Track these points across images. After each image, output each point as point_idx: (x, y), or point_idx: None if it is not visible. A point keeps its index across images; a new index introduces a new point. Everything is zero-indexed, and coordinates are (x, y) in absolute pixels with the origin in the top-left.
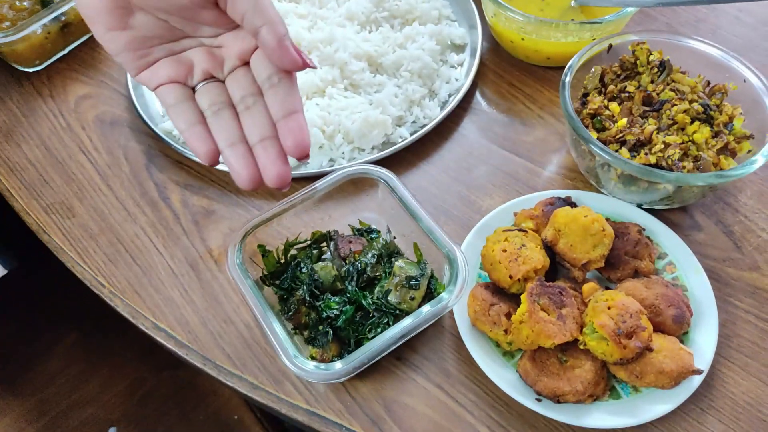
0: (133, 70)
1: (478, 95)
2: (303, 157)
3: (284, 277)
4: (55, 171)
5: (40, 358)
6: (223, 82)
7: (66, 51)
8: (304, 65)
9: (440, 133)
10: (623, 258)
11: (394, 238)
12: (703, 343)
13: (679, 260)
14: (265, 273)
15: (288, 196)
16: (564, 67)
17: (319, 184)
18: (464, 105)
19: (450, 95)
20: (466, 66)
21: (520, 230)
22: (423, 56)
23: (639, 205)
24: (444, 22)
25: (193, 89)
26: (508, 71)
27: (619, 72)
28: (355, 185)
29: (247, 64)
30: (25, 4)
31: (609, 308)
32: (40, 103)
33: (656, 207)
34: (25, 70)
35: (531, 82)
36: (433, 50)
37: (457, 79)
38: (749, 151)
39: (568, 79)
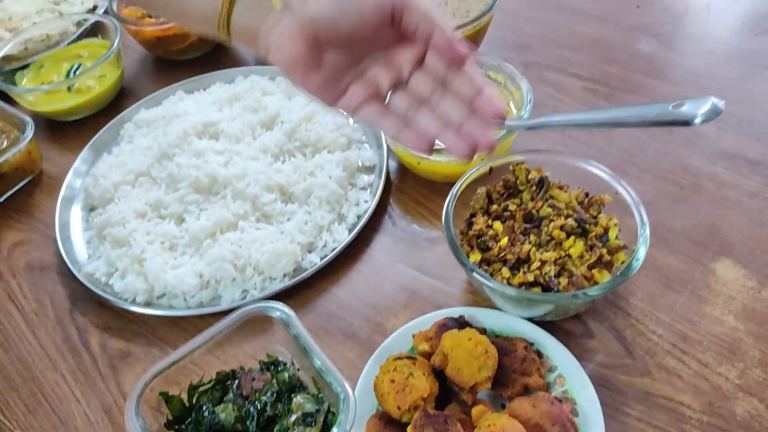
0: (330, 101)
1: (386, 215)
2: (503, 118)
3: (188, 421)
4: None
5: None
6: (405, 85)
7: (1, 199)
8: (470, 54)
9: (349, 256)
10: (512, 376)
11: (299, 370)
12: None
13: (568, 372)
14: (170, 418)
15: (193, 337)
16: None
17: (219, 325)
18: (373, 225)
19: (358, 217)
20: (374, 186)
21: (409, 357)
22: (330, 184)
23: (531, 319)
24: (354, 146)
25: (385, 99)
26: (414, 188)
27: (502, 191)
28: (255, 322)
29: (420, 65)
30: None
31: None
32: None
33: (547, 319)
34: None
35: (435, 198)
36: (339, 177)
37: (366, 201)
38: (623, 262)
39: (450, 209)
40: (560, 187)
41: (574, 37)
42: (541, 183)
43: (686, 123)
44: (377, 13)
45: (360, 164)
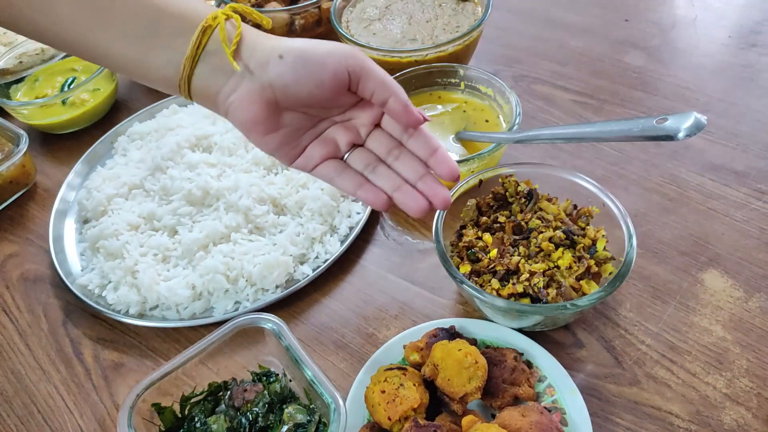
0: (287, 161)
1: (378, 226)
2: (456, 179)
3: None
4: None
5: None
6: (362, 146)
7: None
8: (424, 120)
9: (341, 267)
10: (501, 386)
11: (290, 380)
12: None
13: (557, 382)
14: (162, 429)
15: (186, 348)
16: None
17: (212, 336)
18: (365, 236)
19: (350, 228)
20: None
21: (399, 368)
22: (322, 196)
23: (521, 329)
24: None
25: (342, 158)
26: None
27: (492, 203)
28: (247, 333)
29: (376, 127)
30: None
31: None
32: None
33: (537, 330)
34: None
35: None
36: (331, 189)
37: (358, 213)
38: (611, 273)
39: (440, 222)
40: (549, 199)
41: (562, 50)
42: (530, 195)
43: (670, 138)
44: (335, 81)
45: None
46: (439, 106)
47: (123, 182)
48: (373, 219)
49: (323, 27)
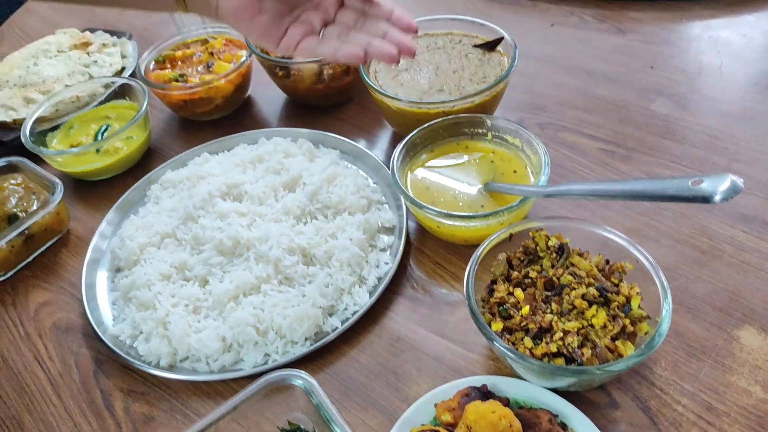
0: (274, 44)
1: (405, 277)
2: (414, 31)
3: None
4: (9, 383)
5: None
6: (333, 22)
7: (29, 259)
8: None
9: (370, 318)
10: None
11: None
12: None
13: None
14: None
15: (216, 402)
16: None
17: (242, 393)
18: (393, 288)
19: (379, 279)
20: (394, 247)
21: (432, 430)
22: (351, 246)
23: (555, 389)
24: (374, 207)
25: (319, 35)
26: (434, 250)
27: (522, 257)
28: (277, 390)
29: (341, 6)
30: None
31: None
32: (2, 313)
33: (571, 390)
34: None
35: (455, 260)
36: (360, 239)
37: (386, 263)
38: (646, 333)
39: (471, 277)
40: (580, 254)
41: (588, 98)
42: (561, 250)
43: (705, 200)
44: None
45: (380, 225)
46: (467, 156)
47: (155, 231)
48: (401, 269)
49: (351, 76)
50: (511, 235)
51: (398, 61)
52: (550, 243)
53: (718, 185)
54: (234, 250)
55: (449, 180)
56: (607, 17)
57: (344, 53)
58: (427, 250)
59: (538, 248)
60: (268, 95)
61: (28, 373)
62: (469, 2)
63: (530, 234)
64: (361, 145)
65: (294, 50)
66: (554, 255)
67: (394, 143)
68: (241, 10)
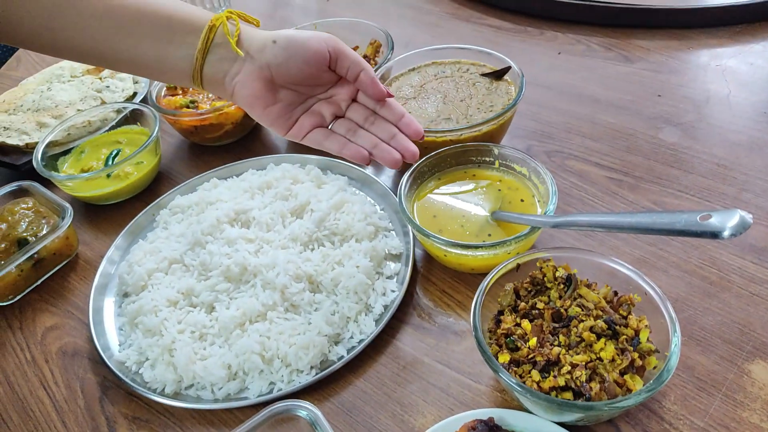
0: (283, 131)
1: (412, 305)
2: (421, 137)
3: None
4: (14, 409)
5: None
6: (343, 116)
7: (38, 283)
8: (388, 95)
9: (376, 347)
10: None
11: None
12: None
13: None
14: None
15: None
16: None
17: (247, 424)
18: (399, 316)
19: (385, 307)
20: (401, 275)
21: None
22: (357, 274)
23: (563, 423)
24: (381, 234)
25: (328, 127)
26: (441, 278)
27: (530, 288)
28: (283, 420)
29: (354, 101)
30: (2, 245)
31: None
32: (9, 336)
33: (579, 424)
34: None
35: (462, 289)
36: (366, 267)
37: (393, 290)
38: (655, 367)
39: (478, 307)
40: (588, 285)
41: (595, 126)
42: (569, 281)
43: (714, 236)
44: (318, 57)
45: (387, 252)
46: (474, 184)
47: (164, 256)
48: (408, 297)
49: None
50: (518, 265)
51: (400, 167)
52: (557, 274)
53: (727, 221)
54: (241, 277)
55: (456, 208)
56: (614, 45)
57: (350, 152)
58: (433, 278)
59: (545, 279)
60: None
61: (33, 398)
62: (477, 30)
63: (537, 264)
64: (368, 171)
65: (301, 140)
66: (562, 286)
67: (401, 170)
68: (256, 99)
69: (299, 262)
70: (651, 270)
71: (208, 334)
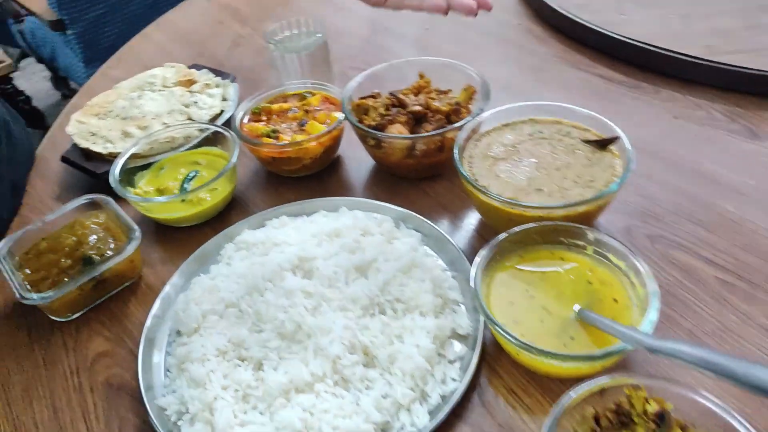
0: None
1: (473, 400)
2: (489, 7)
3: None
4: None
5: None
6: None
7: (97, 302)
8: None
9: None
10: None
11: None
12: None
13: None
14: None
15: None
16: (567, 380)
17: None
18: (457, 410)
19: (443, 397)
20: (465, 360)
21: None
22: (416, 356)
23: None
24: (448, 309)
25: None
26: (510, 372)
27: (613, 419)
28: None
29: None
30: (68, 261)
31: None
32: (62, 356)
33: None
34: (57, 320)
35: (532, 391)
36: (428, 350)
37: (453, 379)
38: None
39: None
40: (683, 427)
41: (710, 212)
42: (662, 418)
43: None
44: None
45: (452, 330)
46: (560, 269)
47: (221, 297)
48: (470, 388)
49: (444, 153)
50: (602, 390)
51: (476, 15)
52: (648, 408)
53: None
54: (294, 336)
55: (537, 298)
56: (740, 116)
57: (429, 4)
58: (501, 371)
59: (633, 411)
60: (357, 156)
61: (72, 429)
62: (584, 80)
63: (626, 391)
64: (444, 226)
65: (384, 4)
66: (652, 425)
67: (479, 229)
68: None
69: (356, 330)
70: (760, 407)
71: (251, 396)
